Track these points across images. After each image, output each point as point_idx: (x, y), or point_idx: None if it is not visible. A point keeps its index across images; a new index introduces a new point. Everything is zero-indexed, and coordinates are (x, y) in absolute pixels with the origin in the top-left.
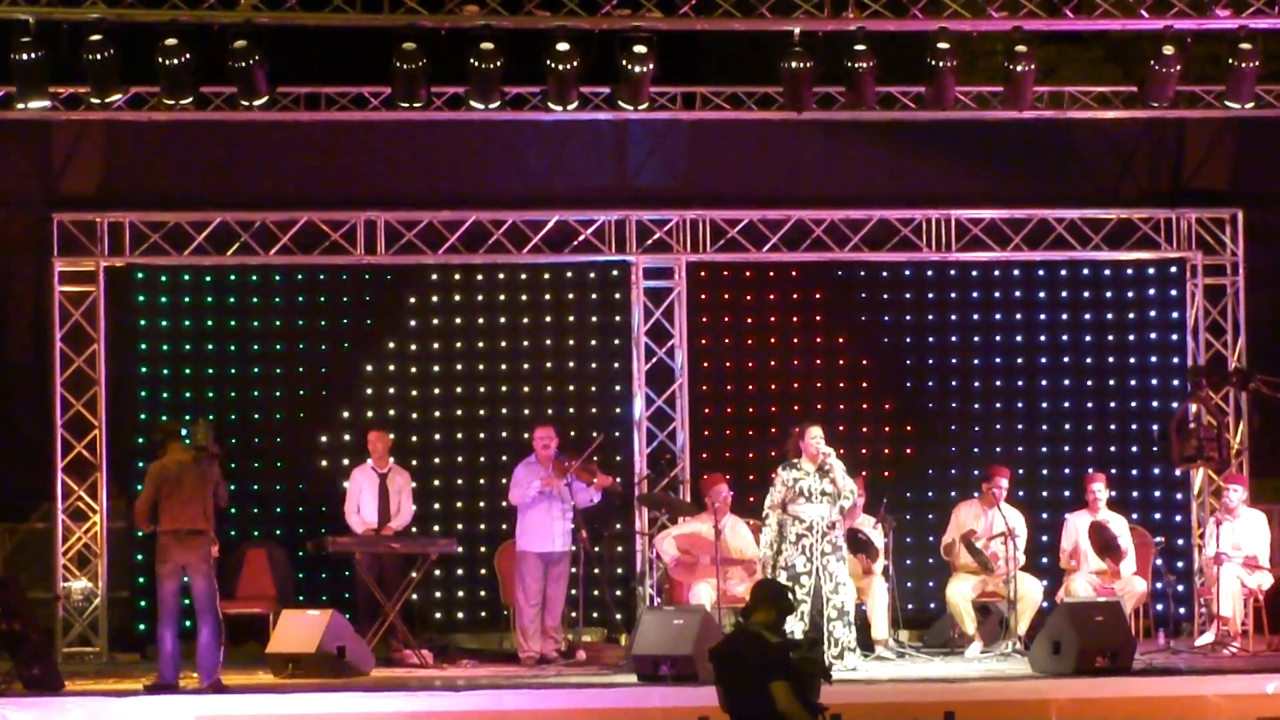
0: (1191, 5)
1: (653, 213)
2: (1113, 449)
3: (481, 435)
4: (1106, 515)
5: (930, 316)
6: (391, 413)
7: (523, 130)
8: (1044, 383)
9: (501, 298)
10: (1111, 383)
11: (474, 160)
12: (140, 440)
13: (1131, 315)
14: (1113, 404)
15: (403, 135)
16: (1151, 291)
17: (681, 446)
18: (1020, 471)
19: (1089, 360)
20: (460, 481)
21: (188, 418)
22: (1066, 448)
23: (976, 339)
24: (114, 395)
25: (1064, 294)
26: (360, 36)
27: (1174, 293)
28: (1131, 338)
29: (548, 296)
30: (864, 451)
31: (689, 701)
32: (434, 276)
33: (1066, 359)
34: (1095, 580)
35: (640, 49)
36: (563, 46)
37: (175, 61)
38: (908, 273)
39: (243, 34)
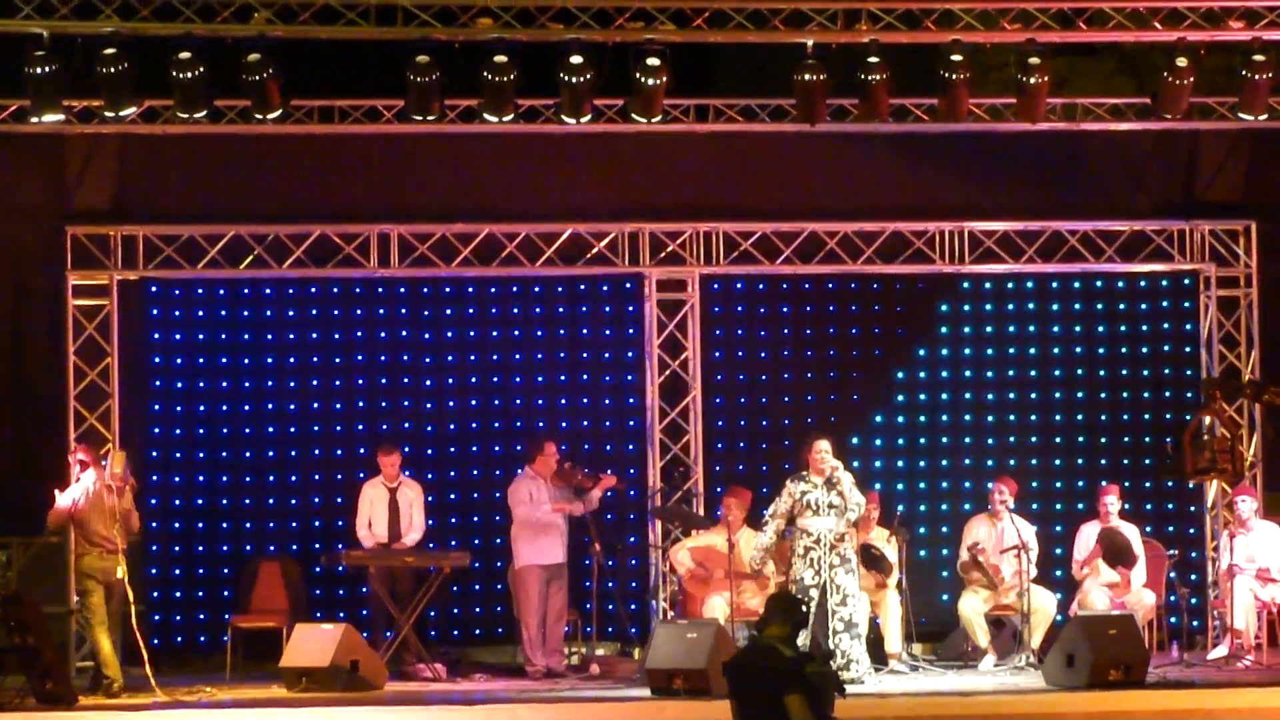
0: (1205, 17)
1: (666, 225)
2: (1126, 461)
3: (495, 449)
4: (1118, 524)
5: (944, 329)
6: (405, 426)
7: (536, 143)
8: (1057, 395)
9: (515, 311)
10: (1125, 395)
11: (487, 173)
12: (154, 454)
13: (1145, 327)
14: (1126, 416)
15: (416, 148)
16: (1165, 304)
17: (695, 459)
18: (1034, 484)
19: (1102, 372)
20: (474, 495)
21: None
22: (1080, 460)
23: (990, 351)
24: (127, 409)
25: (1077, 306)
26: (374, 50)
27: (1187, 305)
28: (1145, 350)
29: (561, 309)
30: (877, 464)
31: (703, 715)
32: (447, 289)
33: (1080, 371)
34: (1107, 593)
35: (653, 61)
36: (576, 59)
37: (189, 75)
38: (921, 285)
39: (256, 47)
